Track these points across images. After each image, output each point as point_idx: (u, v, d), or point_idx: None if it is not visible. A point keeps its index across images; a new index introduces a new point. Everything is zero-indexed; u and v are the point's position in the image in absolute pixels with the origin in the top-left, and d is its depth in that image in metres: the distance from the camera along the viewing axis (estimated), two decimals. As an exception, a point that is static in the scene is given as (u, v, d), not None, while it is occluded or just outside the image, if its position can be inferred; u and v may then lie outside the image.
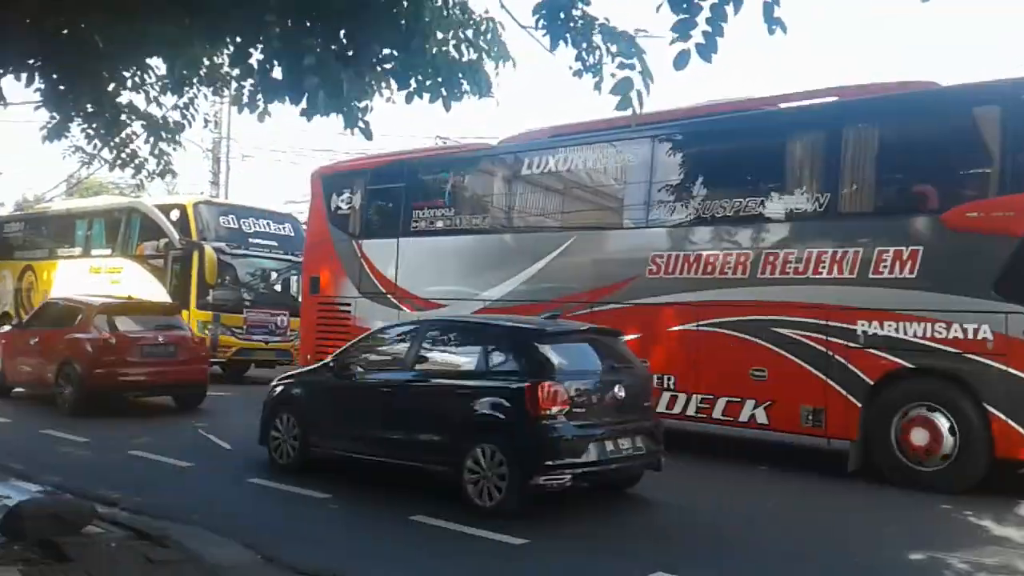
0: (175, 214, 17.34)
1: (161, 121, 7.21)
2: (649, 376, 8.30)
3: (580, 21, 4.83)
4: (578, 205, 11.34)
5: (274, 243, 18.05)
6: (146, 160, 7.45)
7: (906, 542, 6.40)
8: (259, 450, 8.73)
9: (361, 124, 5.43)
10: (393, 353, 8.34)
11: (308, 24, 5.17)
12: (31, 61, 6.08)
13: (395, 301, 12.35)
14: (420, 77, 5.24)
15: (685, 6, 3.47)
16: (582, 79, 5.11)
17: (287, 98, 5.09)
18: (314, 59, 4.73)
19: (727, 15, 3.50)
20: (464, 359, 7.68)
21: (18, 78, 6.27)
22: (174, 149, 7.60)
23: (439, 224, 12.25)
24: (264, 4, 4.98)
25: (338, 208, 13.50)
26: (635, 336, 9.39)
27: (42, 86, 6.21)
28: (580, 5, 4.77)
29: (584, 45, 4.81)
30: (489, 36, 5.35)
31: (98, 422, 11.10)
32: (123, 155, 7.37)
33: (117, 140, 7.19)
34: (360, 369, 8.38)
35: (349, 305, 12.95)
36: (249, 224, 17.83)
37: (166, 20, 5.39)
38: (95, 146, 7.53)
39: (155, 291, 16.96)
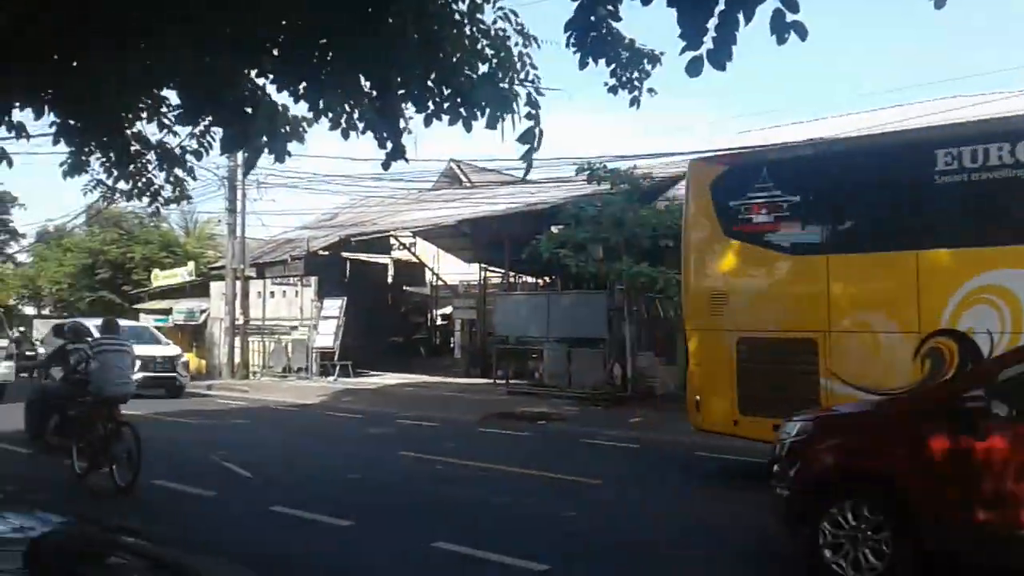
0: None
1: (177, 150, 7.23)
2: None
3: (609, 38, 4.59)
4: None
5: None
6: (162, 188, 7.49)
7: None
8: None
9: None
10: None
11: (321, 54, 5.12)
12: (42, 94, 6.08)
13: None
14: (438, 99, 5.07)
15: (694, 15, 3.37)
16: (617, 95, 5.10)
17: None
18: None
19: (739, 23, 3.42)
20: None
21: (26, 109, 6.27)
22: (189, 175, 7.61)
23: None
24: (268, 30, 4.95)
25: None
26: None
27: (57, 120, 6.20)
28: (610, 22, 4.53)
29: (615, 63, 4.73)
30: (503, 53, 5.23)
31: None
32: (138, 184, 7.39)
33: (132, 169, 7.21)
34: None
35: None
36: None
37: (178, 53, 5.35)
38: (115, 178, 7.56)
39: None
